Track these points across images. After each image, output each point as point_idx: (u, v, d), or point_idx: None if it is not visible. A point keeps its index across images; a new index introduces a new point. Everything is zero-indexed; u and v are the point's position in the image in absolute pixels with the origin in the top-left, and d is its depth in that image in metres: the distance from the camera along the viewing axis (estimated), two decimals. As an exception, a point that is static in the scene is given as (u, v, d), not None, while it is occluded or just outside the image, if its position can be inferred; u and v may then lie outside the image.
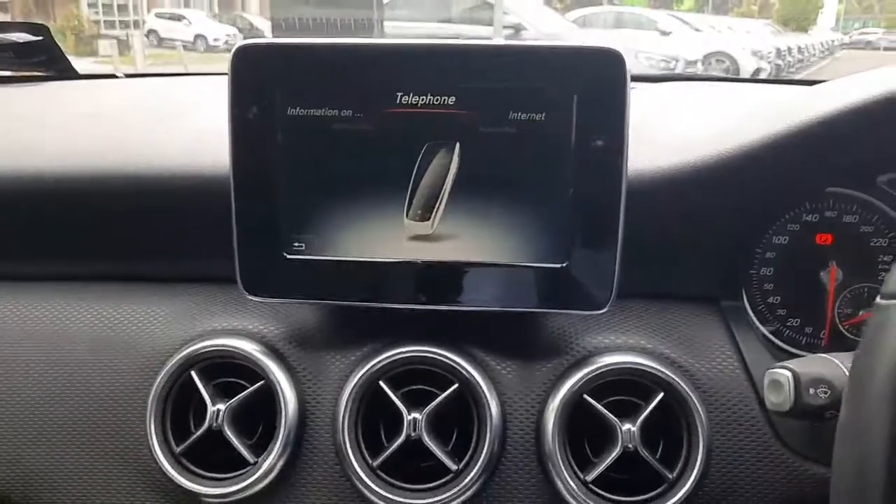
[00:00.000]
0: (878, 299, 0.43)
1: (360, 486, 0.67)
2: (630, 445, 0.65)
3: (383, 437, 0.71)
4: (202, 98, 0.97)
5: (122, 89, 1.10)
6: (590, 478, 0.66)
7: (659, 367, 0.68)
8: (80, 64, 1.20)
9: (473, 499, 0.67)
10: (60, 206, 0.76)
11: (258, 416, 0.71)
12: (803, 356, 0.60)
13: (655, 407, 0.67)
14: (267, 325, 0.73)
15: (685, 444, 0.67)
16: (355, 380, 0.68)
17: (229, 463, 0.68)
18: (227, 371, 0.72)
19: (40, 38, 1.10)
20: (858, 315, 0.74)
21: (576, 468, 0.67)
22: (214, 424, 0.67)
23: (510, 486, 0.69)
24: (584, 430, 0.69)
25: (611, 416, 0.66)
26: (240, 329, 0.73)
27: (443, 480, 0.67)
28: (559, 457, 0.66)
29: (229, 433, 0.68)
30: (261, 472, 0.67)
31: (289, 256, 0.66)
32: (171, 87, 1.10)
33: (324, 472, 0.70)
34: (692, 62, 9.50)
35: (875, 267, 0.74)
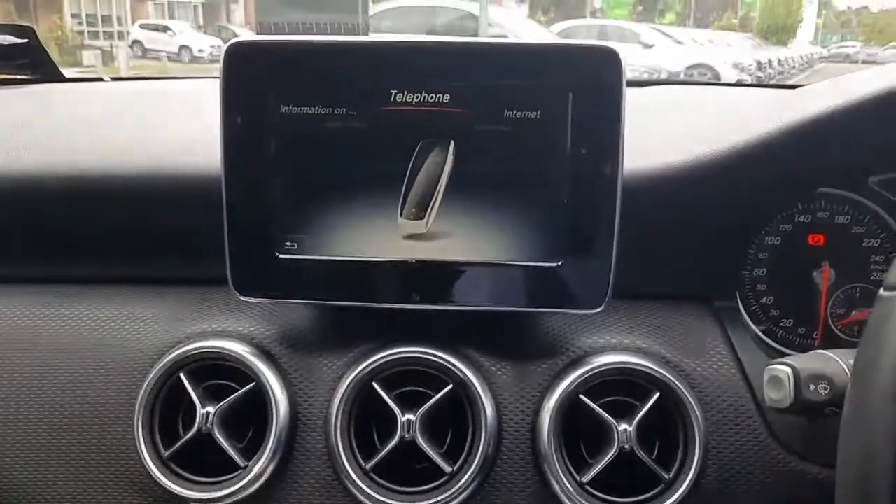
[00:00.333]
0: (881, 291, 0.43)
1: (353, 490, 0.66)
2: (626, 446, 0.64)
3: (376, 439, 0.69)
4: (190, 100, 0.96)
5: (108, 92, 1.09)
6: (586, 479, 0.65)
7: (655, 367, 0.67)
8: (64, 74, 1.18)
9: (468, 501, 0.66)
10: (46, 208, 0.75)
11: (249, 418, 0.70)
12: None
13: (651, 407, 0.66)
14: (258, 326, 0.72)
15: (681, 444, 0.67)
16: (348, 381, 0.67)
17: (219, 467, 0.67)
18: (217, 373, 0.70)
19: (25, 40, 1.08)
20: (851, 315, 0.74)
21: (572, 469, 0.66)
22: (204, 427, 0.66)
23: (505, 488, 0.68)
24: (579, 431, 0.69)
25: (607, 416, 0.66)
26: (230, 330, 0.72)
27: (437, 483, 0.66)
28: (555, 458, 0.66)
29: (219, 436, 0.66)
30: (251, 475, 0.66)
31: (281, 256, 0.65)
32: (158, 90, 1.09)
33: (316, 476, 0.68)
34: (675, 74, 9.60)
35: (867, 267, 0.74)
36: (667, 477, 0.65)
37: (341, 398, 0.67)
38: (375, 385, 0.67)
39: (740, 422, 0.68)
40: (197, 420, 0.66)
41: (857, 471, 0.42)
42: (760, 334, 0.75)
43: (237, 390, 0.68)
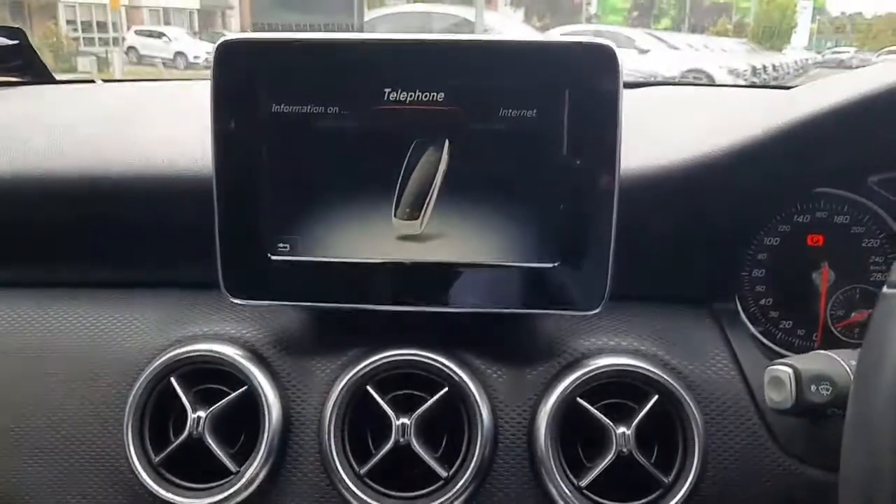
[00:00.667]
0: (884, 289, 0.42)
1: (347, 495, 0.64)
2: (624, 449, 0.63)
3: (371, 443, 0.68)
4: (182, 102, 0.95)
5: (99, 94, 1.08)
6: (584, 483, 0.64)
7: (653, 369, 0.66)
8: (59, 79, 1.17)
9: (464, 506, 0.65)
10: (37, 210, 0.74)
11: (241, 423, 0.69)
12: None
13: (650, 410, 0.65)
14: (250, 329, 0.71)
15: (680, 447, 0.66)
16: (341, 384, 0.66)
17: (211, 472, 0.66)
18: (208, 377, 0.69)
19: (16, 42, 1.07)
20: (851, 316, 0.74)
21: (569, 473, 0.65)
22: (195, 432, 0.65)
23: (502, 493, 0.67)
24: (577, 434, 0.68)
25: (605, 419, 0.65)
26: (222, 334, 0.71)
27: (433, 487, 0.65)
28: (552, 461, 0.65)
29: (210, 441, 0.65)
30: (243, 481, 0.65)
31: (273, 258, 0.64)
32: (150, 93, 1.08)
33: (309, 481, 0.67)
34: (670, 79, 9.63)
35: (867, 268, 0.73)
36: (666, 480, 0.64)
37: (335, 402, 0.66)
38: (370, 388, 0.66)
39: (740, 424, 0.68)
40: (188, 425, 0.65)
41: (861, 473, 0.41)
42: (759, 336, 0.74)
43: (229, 394, 0.67)
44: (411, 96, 0.60)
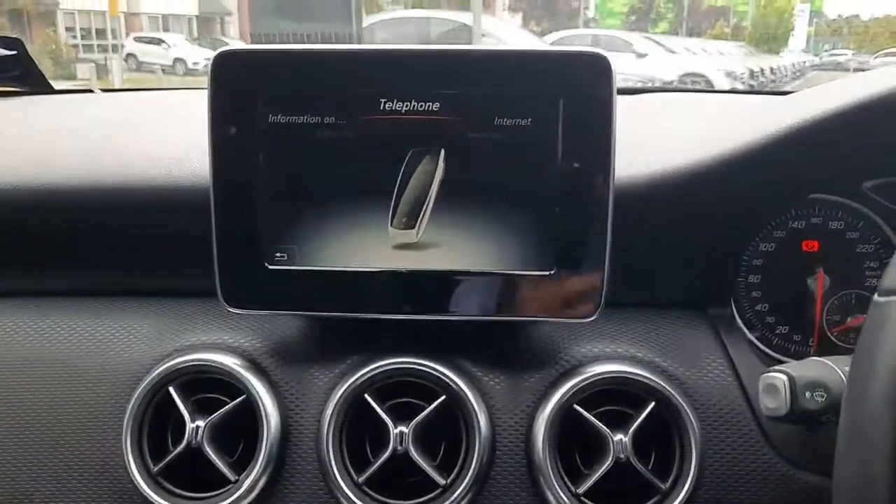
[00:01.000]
0: (875, 297, 0.42)
1: (346, 503, 0.65)
2: (622, 456, 0.63)
3: (369, 452, 0.69)
4: (180, 112, 0.95)
5: (97, 104, 1.08)
6: (581, 490, 0.64)
7: (650, 376, 0.67)
8: (58, 87, 1.17)
9: (462, 514, 0.65)
10: (35, 220, 0.74)
11: (239, 432, 0.69)
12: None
13: (647, 416, 0.65)
14: (248, 338, 0.71)
15: (677, 454, 0.66)
16: (339, 393, 0.67)
17: (209, 481, 0.66)
18: (206, 387, 0.69)
19: (14, 52, 1.08)
20: (847, 322, 0.74)
21: (567, 480, 0.65)
22: (193, 442, 0.65)
23: (500, 500, 0.67)
24: (574, 441, 0.68)
25: (602, 426, 0.65)
26: (219, 343, 0.71)
27: (431, 495, 0.65)
28: (550, 469, 0.65)
29: (209, 450, 0.65)
30: (242, 490, 0.65)
31: (271, 267, 0.64)
32: (148, 102, 1.09)
33: (307, 490, 0.67)
34: (668, 83, 9.65)
35: (862, 273, 0.74)
36: (663, 487, 0.64)
37: (333, 410, 0.66)
38: (367, 397, 0.66)
39: (736, 430, 0.68)
40: (186, 434, 0.65)
41: (855, 479, 0.41)
42: (755, 341, 0.74)
43: (227, 403, 0.68)
44: (407, 106, 0.61)
